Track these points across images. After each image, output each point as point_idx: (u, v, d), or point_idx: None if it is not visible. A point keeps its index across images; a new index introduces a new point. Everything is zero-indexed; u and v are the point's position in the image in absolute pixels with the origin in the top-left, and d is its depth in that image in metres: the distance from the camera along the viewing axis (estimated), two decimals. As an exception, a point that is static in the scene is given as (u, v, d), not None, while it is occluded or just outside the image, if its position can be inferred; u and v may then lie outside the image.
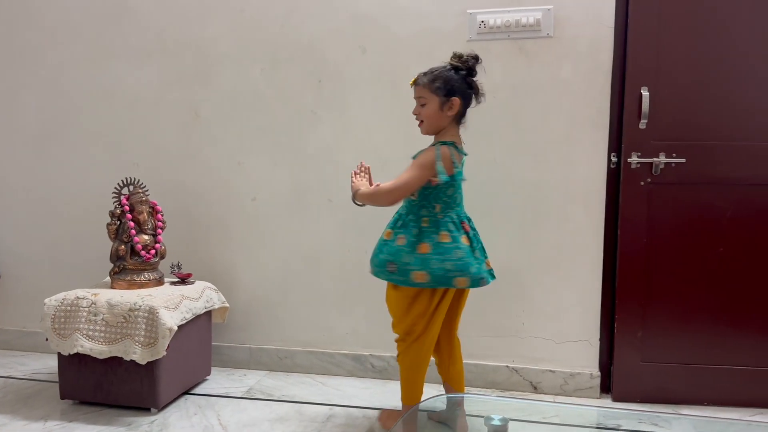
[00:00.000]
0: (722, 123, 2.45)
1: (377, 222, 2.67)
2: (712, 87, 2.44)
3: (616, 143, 2.55)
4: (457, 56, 2.08)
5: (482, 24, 2.58)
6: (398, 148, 2.68)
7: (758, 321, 2.48)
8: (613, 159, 2.56)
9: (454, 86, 2.05)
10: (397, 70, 2.68)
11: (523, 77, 2.58)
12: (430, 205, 2.08)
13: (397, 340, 2.18)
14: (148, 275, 2.56)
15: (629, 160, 2.48)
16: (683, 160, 2.46)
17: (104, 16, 2.92)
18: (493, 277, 2.14)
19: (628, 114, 2.48)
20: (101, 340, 2.34)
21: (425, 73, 2.09)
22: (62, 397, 2.46)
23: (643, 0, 2.44)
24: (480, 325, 2.69)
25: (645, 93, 2.43)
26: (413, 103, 2.66)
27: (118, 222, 2.54)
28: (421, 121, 2.12)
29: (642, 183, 2.49)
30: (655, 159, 2.47)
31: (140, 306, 2.33)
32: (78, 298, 2.40)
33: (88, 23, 2.94)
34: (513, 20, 2.55)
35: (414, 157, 2.11)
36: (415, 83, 2.10)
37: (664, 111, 2.46)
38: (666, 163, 2.47)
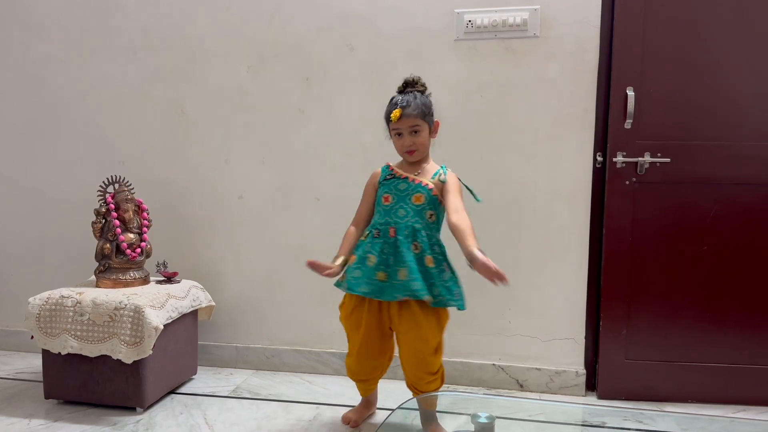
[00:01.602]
0: (707, 123, 2.47)
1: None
2: (696, 87, 2.46)
3: (602, 143, 2.57)
4: (415, 81, 2.10)
5: (469, 23, 2.58)
6: (385, 148, 2.68)
7: (741, 319, 2.51)
8: (599, 158, 2.58)
9: (432, 110, 2.11)
10: (384, 68, 2.68)
11: (509, 77, 2.59)
12: (439, 227, 2.13)
13: (435, 373, 2.15)
14: (134, 274, 2.54)
15: (615, 159, 2.50)
16: (668, 159, 2.48)
17: (90, 12, 2.89)
18: None
19: (614, 114, 2.50)
20: (88, 339, 2.33)
21: (407, 105, 2.03)
22: (47, 397, 2.44)
23: (629, 1, 2.46)
24: (466, 324, 2.70)
25: (630, 93, 2.45)
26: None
27: (104, 220, 2.52)
28: (414, 150, 2.08)
29: (627, 182, 2.51)
30: (640, 159, 2.49)
31: (126, 305, 2.32)
32: (63, 296, 2.38)
33: (73, 19, 2.91)
34: (500, 20, 2.56)
35: (443, 180, 2.09)
36: (404, 115, 2.03)
37: (649, 111, 2.48)
38: (651, 163, 2.49)
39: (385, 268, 2.05)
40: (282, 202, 2.82)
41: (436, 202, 2.09)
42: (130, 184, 2.61)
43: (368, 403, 2.37)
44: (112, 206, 2.52)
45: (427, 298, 2.01)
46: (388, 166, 2.18)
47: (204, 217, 2.88)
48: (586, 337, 2.63)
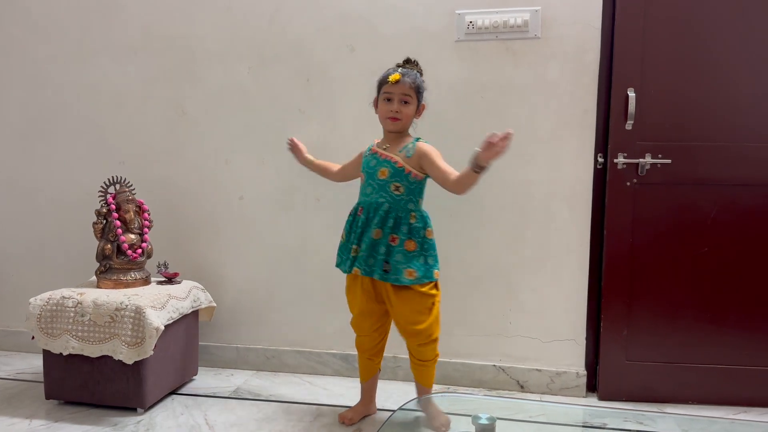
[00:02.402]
0: (707, 124, 2.47)
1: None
2: (697, 88, 2.46)
3: (603, 144, 2.57)
4: (415, 62, 2.24)
5: (470, 24, 2.58)
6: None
7: (742, 320, 2.50)
8: (600, 159, 2.58)
9: (424, 92, 2.20)
10: (385, 69, 2.67)
11: (510, 78, 2.59)
12: (415, 199, 2.16)
13: (426, 343, 2.22)
14: (135, 274, 2.54)
15: (615, 160, 2.50)
16: (669, 161, 2.48)
17: (90, 12, 2.89)
18: None
19: (615, 115, 2.50)
20: (89, 340, 2.33)
21: (407, 74, 2.14)
22: (47, 397, 2.44)
23: (629, 2, 2.46)
24: (467, 324, 2.70)
25: (631, 94, 2.45)
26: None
27: (105, 221, 2.52)
28: (398, 119, 2.15)
29: (628, 183, 2.51)
30: (641, 160, 2.49)
31: (127, 305, 2.32)
32: (64, 297, 2.38)
33: (73, 19, 2.91)
34: (501, 21, 2.56)
35: (409, 154, 2.15)
36: (401, 81, 2.13)
37: (650, 112, 2.48)
38: (652, 164, 2.49)
39: (355, 243, 2.18)
40: (282, 203, 2.82)
41: (402, 174, 2.13)
42: (131, 185, 2.61)
43: (366, 400, 2.38)
44: (113, 207, 2.52)
45: (374, 276, 2.15)
46: (372, 144, 2.27)
47: (205, 218, 2.88)
48: (586, 338, 2.63)
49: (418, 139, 2.18)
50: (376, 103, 2.24)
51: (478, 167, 1.94)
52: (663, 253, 2.52)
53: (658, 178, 2.50)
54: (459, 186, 2.03)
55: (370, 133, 2.69)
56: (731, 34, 2.44)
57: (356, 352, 2.37)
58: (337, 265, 2.29)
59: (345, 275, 2.31)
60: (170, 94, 2.86)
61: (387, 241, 2.12)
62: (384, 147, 2.20)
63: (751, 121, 2.46)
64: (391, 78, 2.12)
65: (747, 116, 2.46)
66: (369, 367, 2.36)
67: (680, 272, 2.52)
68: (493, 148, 1.87)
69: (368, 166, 2.20)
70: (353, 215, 2.23)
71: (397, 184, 2.13)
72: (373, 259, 2.14)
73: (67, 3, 2.91)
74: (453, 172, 2.06)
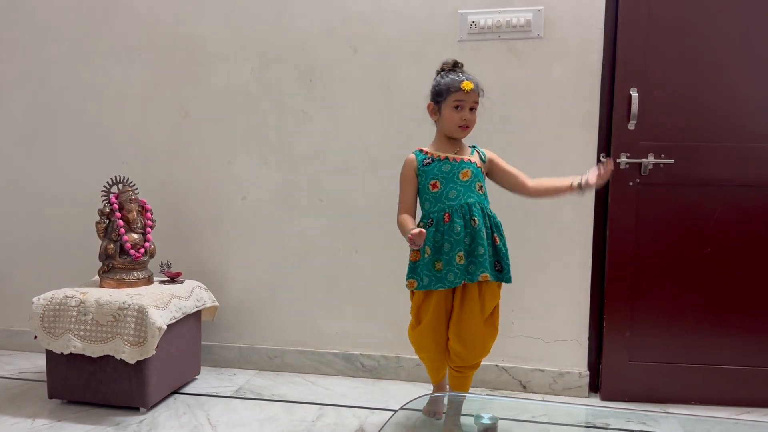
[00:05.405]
0: (710, 124, 2.47)
1: (367, 222, 2.69)
2: (700, 88, 2.46)
3: (606, 144, 2.57)
4: (462, 65, 2.13)
5: (473, 24, 2.59)
6: (389, 149, 2.68)
7: (745, 321, 2.50)
8: (603, 159, 2.57)
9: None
10: (388, 70, 2.68)
11: (513, 78, 2.59)
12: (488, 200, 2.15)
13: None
14: (137, 274, 2.55)
15: (618, 160, 2.50)
16: (671, 161, 2.48)
17: (93, 13, 2.90)
18: None
19: (618, 115, 2.50)
20: (92, 339, 2.33)
21: (476, 82, 2.07)
22: (50, 397, 2.45)
23: (632, 2, 2.46)
24: (470, 325, 2.69)
25: (634, 94, 2.45)
26: (404, 103, 2.67)
27: (107, 221, 2.53)
28: (468, 127, 2.09)
29: (631, 183, 2.51)
30: (643, 160, 2.49)
31: (129, 305, 2.32)
32: (67, 297, 2.39)
33: (77, 20, 2.92)
34: (504, 21, 2.56)
35: (484, 160, 2.16)
36: (474, 90, 2.05)
37: (653, 112, 2.48)
38: (654, 164, 2.49)
39: (441, 256, 2.05)
40: (285, 204, 2.82)
41: (481, 175, 2.11)
42: (134, 185, 2.61)
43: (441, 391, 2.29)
44: (116, 206, 2.53)
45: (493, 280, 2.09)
46: (420, 151, 2.13)
47: (207, 218, 2.89)
48: (589, 339, 2.63)
49: (475, 146, 2.17)
50: (431, 108, 2.12)
51: (582, 189, 2.07)
52: (666, 254, 2.52)
53: (661, 178, 2.49)
54: (541, 193, 2.15)
55: (372, 134, 2.70)
56: (735, 34, 2.43)
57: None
58: (422, 288, 2.09)
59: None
60: (173, 95, 2.87)
61: (491, 240, 2.08)
62: (454, 152, 2.11)
63: (754, 122, 2.45)
64: (465, 86, 2.03)
65: (750, 116, 2.45)
66: (436, 371, 2.25)
67: (683, 272, 2.51)
68: (602, 176, 2.03)
69: (442, 171, 2.07)
70: (435, 224, 2.05)
71: (480, 184, 2.09)
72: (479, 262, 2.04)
73: (70, 4, 2.92)
74: (526, 177, 2.15)
